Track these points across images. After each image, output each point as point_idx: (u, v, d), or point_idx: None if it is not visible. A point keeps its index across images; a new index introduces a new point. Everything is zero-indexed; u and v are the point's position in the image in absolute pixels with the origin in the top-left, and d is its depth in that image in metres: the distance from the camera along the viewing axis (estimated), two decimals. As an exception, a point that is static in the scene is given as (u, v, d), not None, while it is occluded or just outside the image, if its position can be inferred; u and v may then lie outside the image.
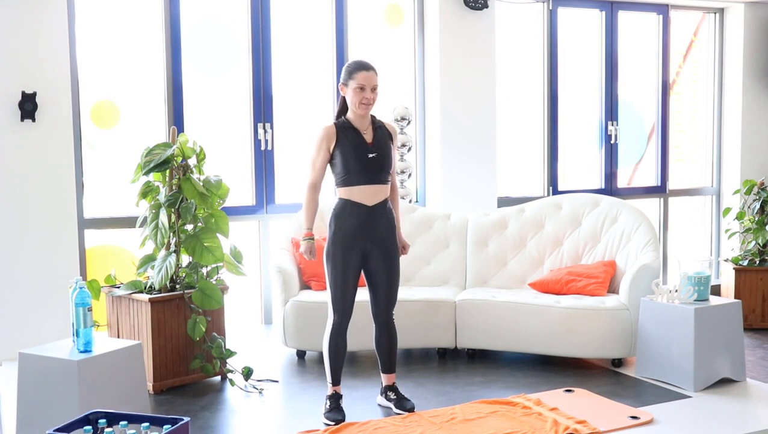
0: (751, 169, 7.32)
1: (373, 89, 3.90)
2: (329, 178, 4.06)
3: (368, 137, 3.93)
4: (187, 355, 4.52)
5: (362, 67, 3.91)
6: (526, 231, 5.41)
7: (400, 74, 6.33)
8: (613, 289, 5.07)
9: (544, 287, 5.07)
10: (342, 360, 4.03)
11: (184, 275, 4.56)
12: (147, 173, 4.50)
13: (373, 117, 4.00)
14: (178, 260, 4.50)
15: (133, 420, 2.92)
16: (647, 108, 7.28)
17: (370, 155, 3.90)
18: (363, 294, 4.08)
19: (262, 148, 5.88)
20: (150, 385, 4.37)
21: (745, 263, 6.53)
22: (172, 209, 4.52)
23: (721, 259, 6.95)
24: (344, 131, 3.91)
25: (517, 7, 6.64)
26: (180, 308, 4.47)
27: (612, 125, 7.02)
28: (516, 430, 3.68)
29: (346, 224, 3.91)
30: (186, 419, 2.90)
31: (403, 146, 6.07)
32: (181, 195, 4.51)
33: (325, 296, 4.23)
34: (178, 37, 5.58)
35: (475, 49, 6.28)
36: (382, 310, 4.05)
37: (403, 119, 6.03)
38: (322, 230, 5.03)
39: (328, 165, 3.98)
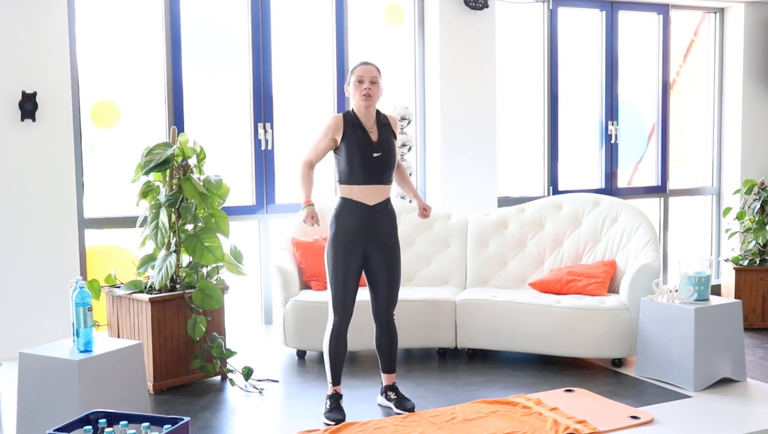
0: (751, 169, 7.32)
1: (373, 82, 3.91)
2: (327, 170, 4.05)
3: (374, 135, 3.93)
4: (187, 355, 4.52)
5: (361, 63, 3.98)
6: (527, 231, 5.41)
7: (400, 74, 6.33)
8: (613, 289, 5.07)
9: (544, 287, 5.07)
10: (342, 360, 4.03)
11: (184, 275, 4.56)
12: (147, 173, 4.51)
13: (378, 114, 4.01)
14: (178, 260, 4.50)
15: (133, 419, 2.92)
16: (647, 108, 7.28)
17: (375, 155, 3.90)
18: (363, 294, 4.08)
19: (262, 148, 5.88)
20: (150, 385, 4.37)
21: (746, 263, 6.52)
22: (173, 209, 4.52)
23: (722, 259, 6.94)
24: (352, 126, 3.92)
25: (517, 7, 6.64)
26: (180, 308, 4.47)
27: (612, 124, 7.02)
28: (516, 430, 3.68)
29: (346, 223, 3.91)
30: (186, 419, 2.90)
31: (403, 145, 6.07)
32: (182, 195, 4.51)
33: (325, 296, 4.24)
34: (178, 37, 5.58)
35: (475, 49, 6.28)
36: (382, 310, 4.05)
37: (403, 118, 6.03)
38: (323, 230, 5.04)
39: (334, 159, 3.98)
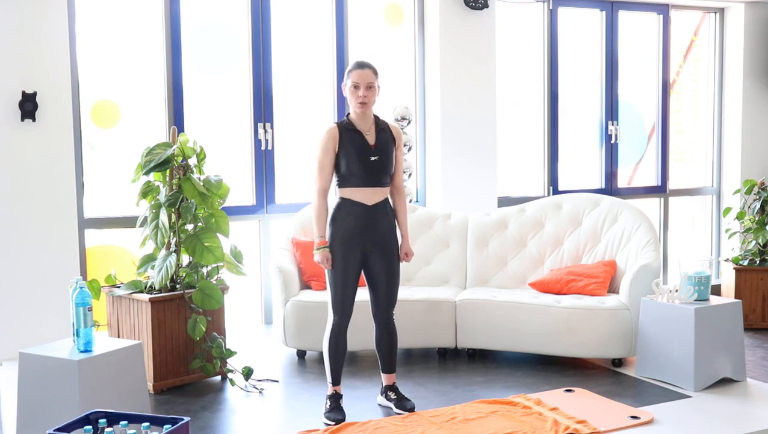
0: (751, 169, 7.32)
1: (369, 87, 3.89)
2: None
3: (371, 138, 3.92)
4: (187, 355, 4.52)
5: (357, 65, 3.93)
6: (527, 231, 5.41)
7: (400, 74, 6.33)
8: (613, 289, 5.06)
9: (545, 287, 5.07)
10: (342, 360, 4.03)
11: (184, 274, 4.56)
12: (147, 173, 4.51)
13: (376, 118, 3.99)
14: (178, 259, 4.50)
15: (133, 419, 2.92)
16: (647, 108, 7.28)
17: (372, 158, 3.89)
18: (363, 294, 4.08)
19: (262, 148, 5.88)
20: (150, 385, 4.37)
21: (746, 262, 6.52)
22: (173, 209, 4.52)
23: (722, 259, 6.94)
24: (347, 132, 3.90)
25: (517, 7, 6.64)
26: (180, 308, 4.48)
27: (612, 124, 7.01)
28: (516, 430, 3.68)
29: (345, 223, 3.91)
30: (186, 419, 2.90)
31: (404, 145, 6.06)
32: (182, 195, 4.52)
33: (325, 296, 4.24)
34: (178, 37, 5.58)
35: (475, 49, 6.28)
36: (382, 310, 4.05)
37: (403, 118, 6.03)
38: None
39: None
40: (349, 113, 3.98)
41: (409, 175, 6.15)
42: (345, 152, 3.88)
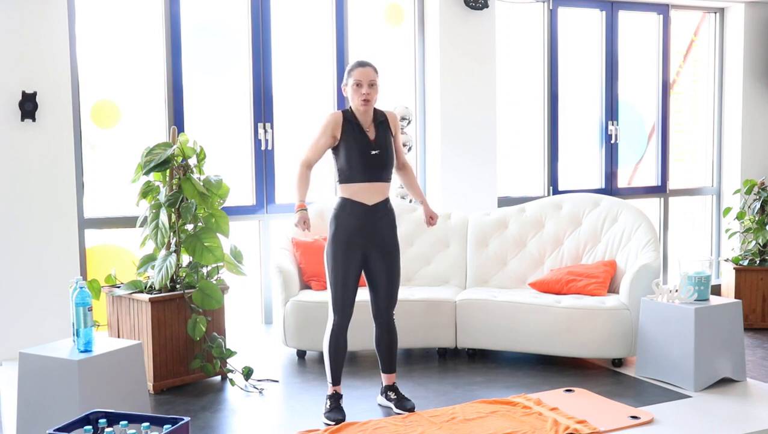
0: (752, 168, 7.32)
1: (371, 85, 3.91)
2: (323, 167, 4.06)
3: (371, 134, 3.94)
4: (187, 355, 4.52)
5: (358, 64, 3.96)
6: (527, 231, 5.41)
7: (400, 74, 6.33)
8: (613, 289, 5.07)
9: (545, 287, 5.07)
10: (342, 360, 4.03)
11: (184, 274, 4.56)
12: (147, 173, 4.51)
13: (375, 111, 4.01)
14: (178, 259, 4.50)
15: (133, 419, 2.92)
16: (647, 108, 7.28)
17: (373, 152, 3.91)
18: (363, 294, 4.08)
19: (262, 148, 5.88)
20: (150, 385, 4.37)
21: (746, 262, 6.52)
22: (173, 209, 4.52)
23: (722, 259, 6.94)
24: (350, 124, 3.93)
25: (517, 7, 6.64)
26: (180, 308, 4.47)
27: (612, 124, 7.02)
28: (516, 430, 3.68)
29: (346, 223, 3.91)
30: (186, 419, 2.90)
31: (404, 145, 6.06)
32: (182, 195, 4.52)
33: (326, 296, 4.24)
34: (178, 37, 5.58)
35: (475, 49, 6.28)
36: (382, 310, 4.05)
37: (403, 118, 6.03)
38: (323, 230, 5.04)
39: (332, 158, 3.99)
40: (350, 108, 4.00)
41: (409, 149, 6.09)
42: (346, 145, 3.90)
